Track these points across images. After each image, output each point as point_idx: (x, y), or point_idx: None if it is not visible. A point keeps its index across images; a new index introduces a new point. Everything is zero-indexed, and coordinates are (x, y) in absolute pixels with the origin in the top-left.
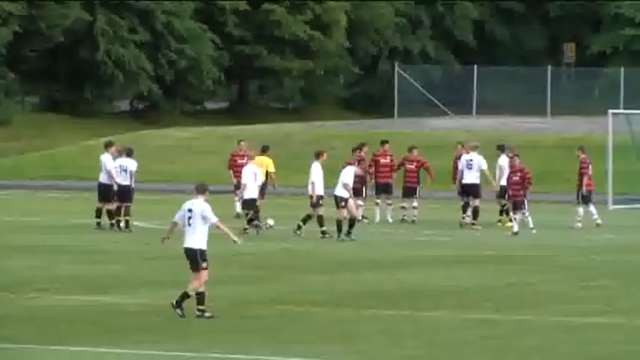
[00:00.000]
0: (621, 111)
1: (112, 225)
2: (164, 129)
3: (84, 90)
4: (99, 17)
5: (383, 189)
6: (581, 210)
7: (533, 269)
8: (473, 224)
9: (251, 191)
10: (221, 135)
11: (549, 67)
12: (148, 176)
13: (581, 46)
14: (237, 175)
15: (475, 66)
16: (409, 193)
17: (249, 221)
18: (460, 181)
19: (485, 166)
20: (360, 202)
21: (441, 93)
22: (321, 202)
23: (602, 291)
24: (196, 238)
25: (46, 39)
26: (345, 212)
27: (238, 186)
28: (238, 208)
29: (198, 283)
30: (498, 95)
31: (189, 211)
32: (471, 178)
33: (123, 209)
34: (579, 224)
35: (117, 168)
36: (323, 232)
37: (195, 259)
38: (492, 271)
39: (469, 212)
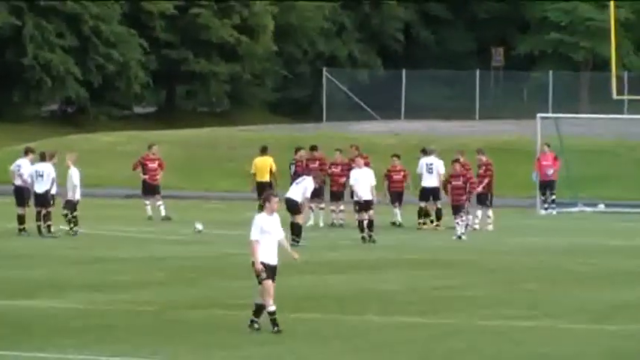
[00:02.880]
0: (550, 115)
1: (19, 230)
2: (92, 133)
3: (12, 94)
4: (27, 21)
5: (397, 198)
6: (490, 212)
7: (459, 273)
8: (437, 225)
9: (78, 193)
10: (148, 139)
11: (477, 71)
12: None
13: (508, 50)
14: (148, 179)
15: (403, 70)
16: (337, 196)
17: (70, 222)
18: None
19: (443, 170)
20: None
21: (369, 96)
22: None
23: (527, 294)
24: None
25: None
26: (301, 217)
27: (146, 189)
28: (149, 211)
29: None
30: (426, 99)
31: None
32: (431, 181)
33: (43, 214)
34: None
35: (33, 173)
36: (369, 236)
37: None
38: (419, 275)
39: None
